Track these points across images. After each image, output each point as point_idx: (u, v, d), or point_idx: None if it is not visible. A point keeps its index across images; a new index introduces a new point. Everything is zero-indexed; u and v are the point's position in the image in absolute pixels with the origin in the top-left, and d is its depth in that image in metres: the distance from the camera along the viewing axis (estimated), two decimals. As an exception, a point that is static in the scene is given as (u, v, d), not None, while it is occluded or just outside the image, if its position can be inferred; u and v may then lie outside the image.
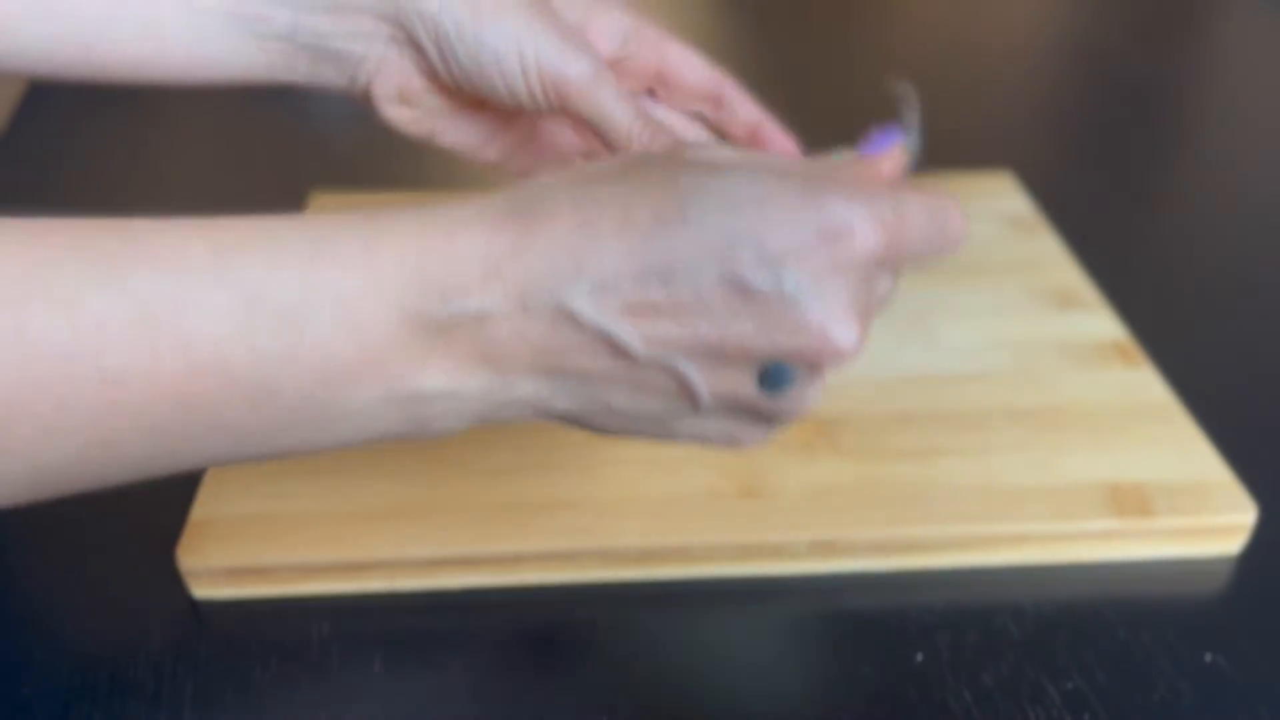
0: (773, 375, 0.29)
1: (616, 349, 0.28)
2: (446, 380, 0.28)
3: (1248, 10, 0.92)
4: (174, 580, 0.39)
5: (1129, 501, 0.41)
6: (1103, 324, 0.50)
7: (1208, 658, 0.37)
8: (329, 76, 0.39)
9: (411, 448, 0.43)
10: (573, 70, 0.36)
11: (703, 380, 0.29)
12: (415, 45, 0.37)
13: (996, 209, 0.59)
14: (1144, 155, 0.70)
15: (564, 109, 0.37)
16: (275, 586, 0.39)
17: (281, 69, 0.39)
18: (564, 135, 0.42)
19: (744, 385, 0.29)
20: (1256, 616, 0.39)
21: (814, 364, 0.29)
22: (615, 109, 0.37)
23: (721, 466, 0.42)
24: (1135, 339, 0.49)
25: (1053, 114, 0.78)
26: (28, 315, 0.24)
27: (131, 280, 0.26)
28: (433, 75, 0.38)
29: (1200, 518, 0.40)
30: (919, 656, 0.37)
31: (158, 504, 0.42)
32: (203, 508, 0.40)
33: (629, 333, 0.28)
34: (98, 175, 0.66)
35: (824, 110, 0.73)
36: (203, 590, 0.39)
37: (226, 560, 0.38)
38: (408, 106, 0.39)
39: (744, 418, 0.31)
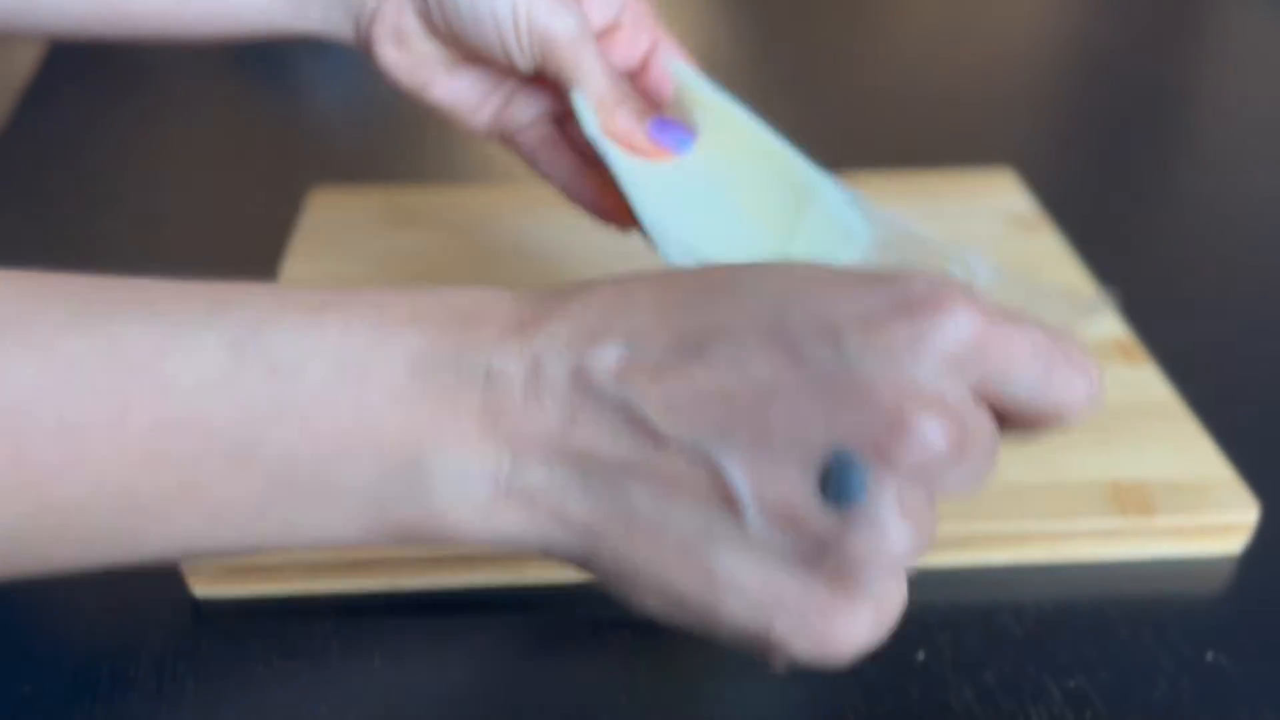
0: (836, 473, 0.22)
1: (638, 424, 0.24)
2: (449, 451, 0.25)
3: (1251, 8, 0.92)
4: (174, 578, 0.39)
5: (1131, 500, 0.41)
6: (1104, 322, 0.50)
7: (1209, 656, 0.37)
8: (338, 21, 0.40)
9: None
10: (559, 25, 0.36)
11: (746, 477, 0.23)
12: None
13: (998, 207, 0.59)
14: (1146, 153, 0.70)
15: (545, 66, 0.37)
16: (276, 584, 0.39)
17: (296, 14, 0.40)
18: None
19: (800, 491, 0.23)
20: (1259, 615, 0.39)
21: (886, 453, 0.22)
22: (592, 71, 0.37)
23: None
24: (1137, 337, 0.49)
25: (1054, 111, 0.78)
26: None
27: (117, 323, 0.24)
28: (428, 18, 0.39)
29: (1202, 516, 0.40)
30: (920, 655, 0.37)
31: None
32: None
33: (654, 404, 0.23)
34: (98, 170, 0.66)
35: (824, 108, 0.73)
36: (203, 588, 0.39)
37: (227, 558, 0.38)
38: (403, 50, 0.40)
39: (809, 556, 0.23)
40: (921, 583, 0.40)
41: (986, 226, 0.57)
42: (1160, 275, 0.57)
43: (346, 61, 0.79)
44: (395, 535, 0.26)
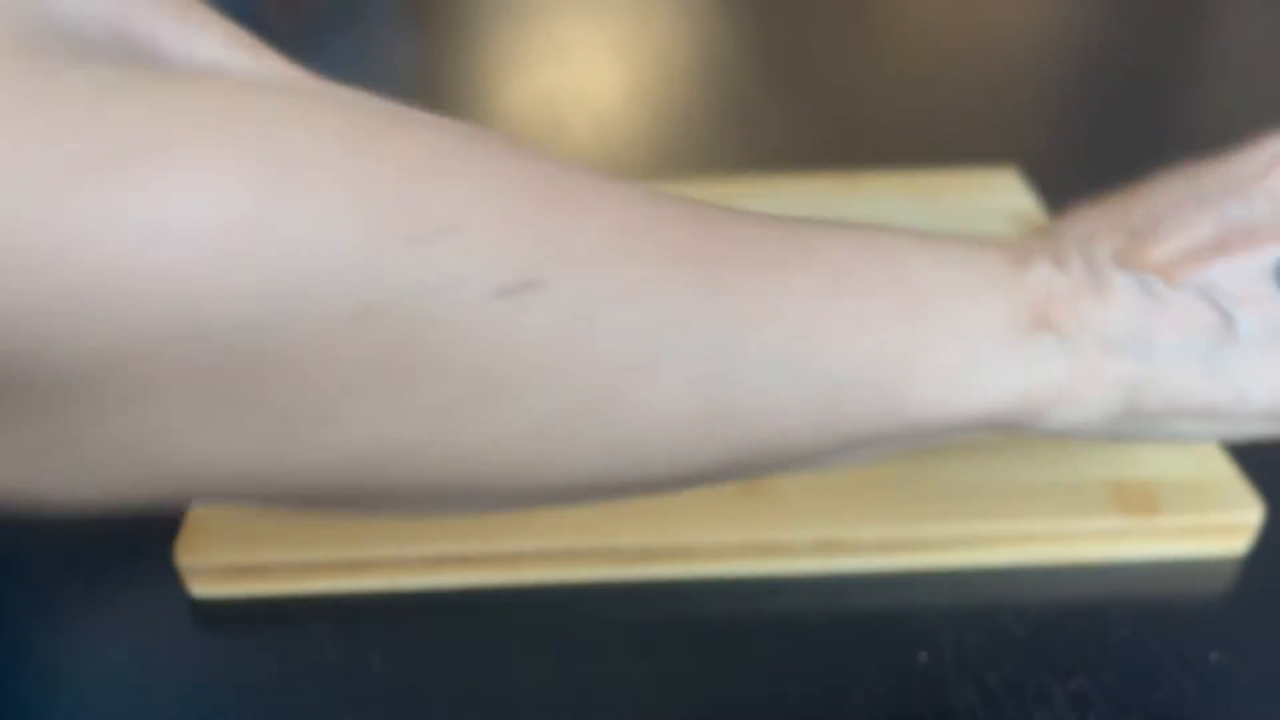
0: None
1: (1155, 292, 0.30)
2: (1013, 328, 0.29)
3: (1254, 7, 0.92)
4: (172, 578, 0.39)
5: (1134, 500, 0.40)
6: (1107, 321, 0.50)
7: (1213, 657, 0.37)
8: None
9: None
10: None
11: (1238, 300, 0.31)
12: None
13: (1000, 206, 0.59)
14: (1149, 152, 0.70)
15: None
16: (274, 585, 0.39)
17: None
18: None
19: (1268, 294, 0.31)
20: (1262, 615, 0.39)
21: None
22: None
23: (724, 464, 0.42)
24: (1140, 336, 0.49)
25: (1057, 109, 0.78)
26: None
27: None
28: None
29: (1206, 516, 0.40)
30: (923, 656, 0.37)
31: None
32: (201, 505, 0.40)
33: (1158, 273, 0.31)
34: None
35: (826, 107, 0.72)
36: (201, 588, 0.39)
37: (225, 558, 0.38)
38: None
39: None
40: (923, 583, 0.40)
41: (989, 225, 0.57)
42: (1163, 274, 0.57)
43: (346, 61, 0.79)
44: (997, 415, 0.29)
